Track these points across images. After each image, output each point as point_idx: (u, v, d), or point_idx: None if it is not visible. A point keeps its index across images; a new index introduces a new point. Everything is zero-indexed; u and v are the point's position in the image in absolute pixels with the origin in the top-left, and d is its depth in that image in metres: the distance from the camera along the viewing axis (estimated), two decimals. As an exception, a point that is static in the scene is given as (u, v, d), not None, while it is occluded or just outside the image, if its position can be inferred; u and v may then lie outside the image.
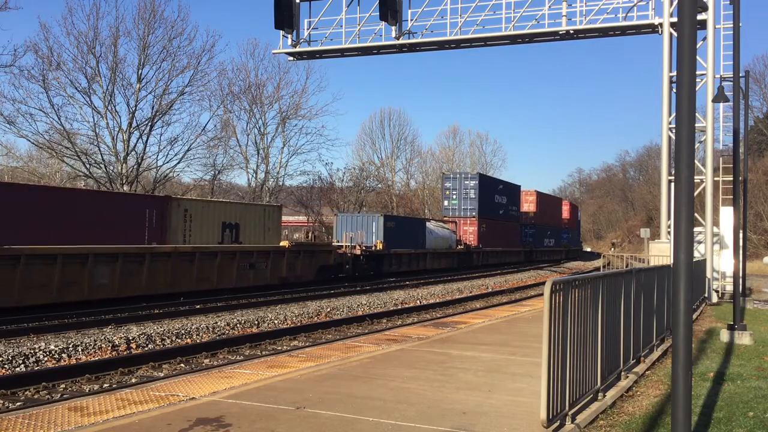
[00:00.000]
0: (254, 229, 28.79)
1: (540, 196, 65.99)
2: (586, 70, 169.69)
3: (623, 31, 26.20)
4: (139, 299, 21.33)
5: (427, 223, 44.29)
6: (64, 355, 13.42)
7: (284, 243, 29.21)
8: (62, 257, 19.03)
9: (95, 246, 20.33)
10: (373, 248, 35.67)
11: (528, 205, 62.37)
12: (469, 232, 48.51)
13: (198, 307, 20.96)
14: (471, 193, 48.55)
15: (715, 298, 23.23)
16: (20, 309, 17.92)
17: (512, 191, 57.85)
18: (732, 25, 17.71)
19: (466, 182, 48.90)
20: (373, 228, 36.74)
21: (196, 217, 25.66)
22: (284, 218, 61.01)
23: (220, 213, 27.28)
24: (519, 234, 58.28)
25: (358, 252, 34.13)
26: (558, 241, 70.52)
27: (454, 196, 48.99)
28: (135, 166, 40.07)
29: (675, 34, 15.90)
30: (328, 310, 22.03)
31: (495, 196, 52.63)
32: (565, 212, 75.47)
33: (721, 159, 26.68)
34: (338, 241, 35.07)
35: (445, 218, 48.91)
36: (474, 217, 48.59)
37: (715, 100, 19.21)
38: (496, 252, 52.80)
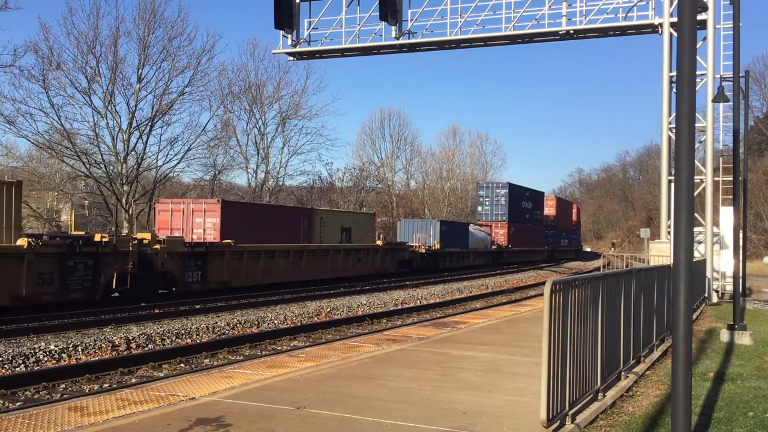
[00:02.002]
0: (359, 231, 36.80)
1: (558, 200, 73.65)
2: (586, 70, 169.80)
3: (623, 31, 26.18)
4: (299, 284, 29.06)
5: (469, 227, 51.37)
6: (64, 355, 13.43)
7: (379, 242, 37.58)
8: (264, 252, 27.23)
9: (279, 244, 28.46)
10: (432, 247, 43.35)
11: (549, 209, 68.55)
12: (500, 234, 55.20)
13: (198, 307, 20.97)
14: (502, 200, 55.36)
15: (715, 298, 23.22)
16: (226, 290, 25.03)
17: (537, 197, 64.33)
18: (732, 25, 17.72)
19: (498, 191, 55.83)
20: (431, 231, 44.75)
21: (327, 223, 33.86)
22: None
23: (340, 219, 35.79)
24: (542, 235, 64.62)
25: (423, 250, 41.92)
26: (570, 241, 77.04)
27: (487, 203, 55.95)
28: (135, 166, 40.08)
29: (675, 34, 15.90)
30: (328, 310, 22.04)
31: (522, 202, 59.03)
32: (574, 215, 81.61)
33: (721, 159, 26.69)
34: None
35: (479, 222, 55.48)
36: (504, 221, 55.21)
37: (715, 100, 19.21)
38: (523, 251, 59.23)
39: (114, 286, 20.74)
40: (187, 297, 23.00)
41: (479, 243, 51.14)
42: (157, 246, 22.38)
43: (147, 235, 22.82)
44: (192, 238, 26.19)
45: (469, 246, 49.18)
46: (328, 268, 31.63)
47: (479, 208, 56.90)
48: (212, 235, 27.00)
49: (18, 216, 19.66)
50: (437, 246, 43.83)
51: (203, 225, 27.12)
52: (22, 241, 18.37)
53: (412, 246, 41.38)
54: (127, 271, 20.94)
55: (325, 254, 31.62)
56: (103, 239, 20.60)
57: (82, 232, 23.98)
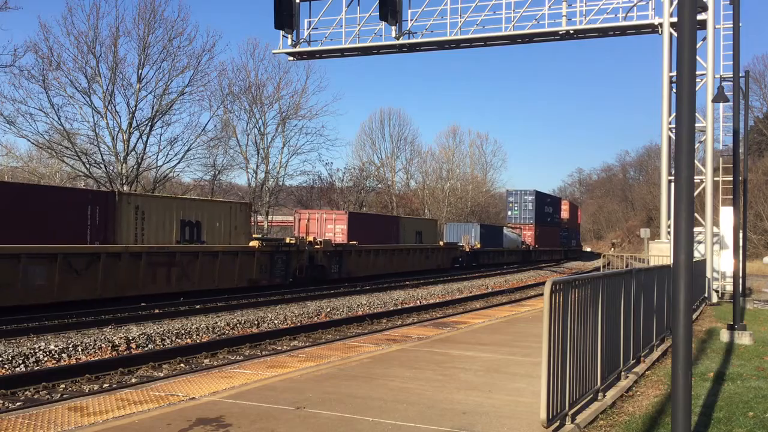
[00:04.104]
0: (427, 234, 45.24)
1: (570, 205, 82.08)
2: (586, 70, 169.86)
3: (623, 31, 26.17)
4: (390, 275, 36.96)
5: (504, 229, 58.85)
6: (64, 355, 13.42)
7: (441, 243, 46.28)
8: (372, 251, 35.86)
9: (381, 245, 37.19)
10: (474, 247, 50.77)
11: (563, 213, 76.25)
12: (528, 236, 62.74)
13: (198, 307, 20.96)
14: (529, 205, 63.03)
15: (715, 298, 23.22)
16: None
17: (555, 202, 73.71)
18: (732, 25, 17.71)
19: (525, 197, 63.60)
20: (472, 233, 52.07)
21: (407, 228, 42.19)
22: (286, 218, 61.88)
23: (415, 225, 44.53)
24: (559, 236, 72.95)
25: (468, 249, 49.66)
26: (577, 241, 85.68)
27: (516, 208, 63.63)
28: (135, 166, 39.99)
29: (675, 34, 15.89)
30: (328, 310, 22.03)
31: (545, 207, 66.86)
32: (579, 217, 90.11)
33: (721, 159, 26.68)
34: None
35: (509, 224, 62.66)
36: (532, 223, 62.86)
37: (715, 100, 19.21)
38: (546, 251, 66.98)
39: (296, 275, 28.88)
40: (330, 284, 30.42)
41: (511, 243, 58.52)
42: (317, 246, 30.40)
43: (310, 238, 30.88)
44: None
45: (503, 245, 56.56)
46: (408, 263, 40.01)
47: (509, 213, 64.58)
48: (340, 238, 34.35)
49: (249, 225, 28.05)
50: (478, 246, 51.12)
51: (333, 230, 35.11)
52: (254, 243, 26.73)
53: (461, 246, 49.14)
54: (303, 264, 29.36)
55: (407, 252, 40.36)
56: (291, 241, 28.86)
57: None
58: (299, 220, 36.33)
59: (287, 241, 28.98)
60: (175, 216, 23.55)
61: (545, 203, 67.47)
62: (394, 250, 38.57)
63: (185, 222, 23.84)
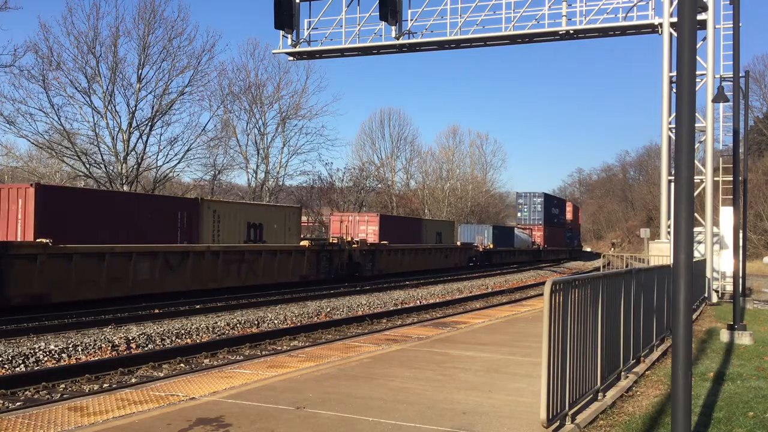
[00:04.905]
0: (446, 234, 48.74)
1: (573, 206, 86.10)
2: (586, 70, 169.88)
3: (623, 31, 26.15)
4: (415, 272, 39.86)
5: (515, 229, 62.36)
6: (64, 355, 13.42)
7: (458, 243, 50.10)
8: (400, 250, 38.75)
9: (407, 245, 40.24)
10: (488, 247, 53.80)
11: (568, 214, 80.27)
12: (537, 236, 66.31)
13: (198, 307, 20.96)
14: (538, 207, 66.80)
15: (715, 298, 23.21)
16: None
17: (561, 204, 78.36)
18: (732, 25, 17.71)
19: (534, 199, 67.42)
20: (485, 234, 55.06)
21: (428, 228, 45.87)
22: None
23: (435, 226, 48.18)
24: (564, 237, 76.68)
25: (481, 249, 52.89)
26: (578, 241, 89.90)
27: (525, 210, 67.24)
28: (135, 166, 39.98)
29: (675, 34, 15.89)
30: (328, 310, 22.03)
31: (552, 208, 70.60)
32: (580, 218, 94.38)
33: (721, 159, 26.67)
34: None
35: (519, 225, 66.08)
36: (541, 224, 66.45)
37: (715, 100, 19.21)
38: (554, 250, 70.79)
39: (337, 271, 31.93)
40: (364, 280, 33.26)
41: (522, 243, 61.75)
42: (355, 245, 33.59)
43: (348, 238, 34.02)
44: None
45: (514, 245, 59.77)
46: (430, 262, 43.20)
47: (519, 214, 68.17)
48: (372, 238, 37.07)
49: (300, 227, 31.65)
50: (491, 246, 54.14)
51: (366, 231, 38.16)
52: (304, 243, 30.19)
53: (476, 246, 52.30)
54: (344, 261, 32.57)
55: (429, 252, 43.52)
56: (334, 241, 32.27)
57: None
58: (339, 221, 40.12)
59: (330, 241, 32.51)
60: (243, 219, 27.12)
61: (552, 205, 71.18)
62: (419, 250, 41.69)
63: (250, 224, 27.47)
